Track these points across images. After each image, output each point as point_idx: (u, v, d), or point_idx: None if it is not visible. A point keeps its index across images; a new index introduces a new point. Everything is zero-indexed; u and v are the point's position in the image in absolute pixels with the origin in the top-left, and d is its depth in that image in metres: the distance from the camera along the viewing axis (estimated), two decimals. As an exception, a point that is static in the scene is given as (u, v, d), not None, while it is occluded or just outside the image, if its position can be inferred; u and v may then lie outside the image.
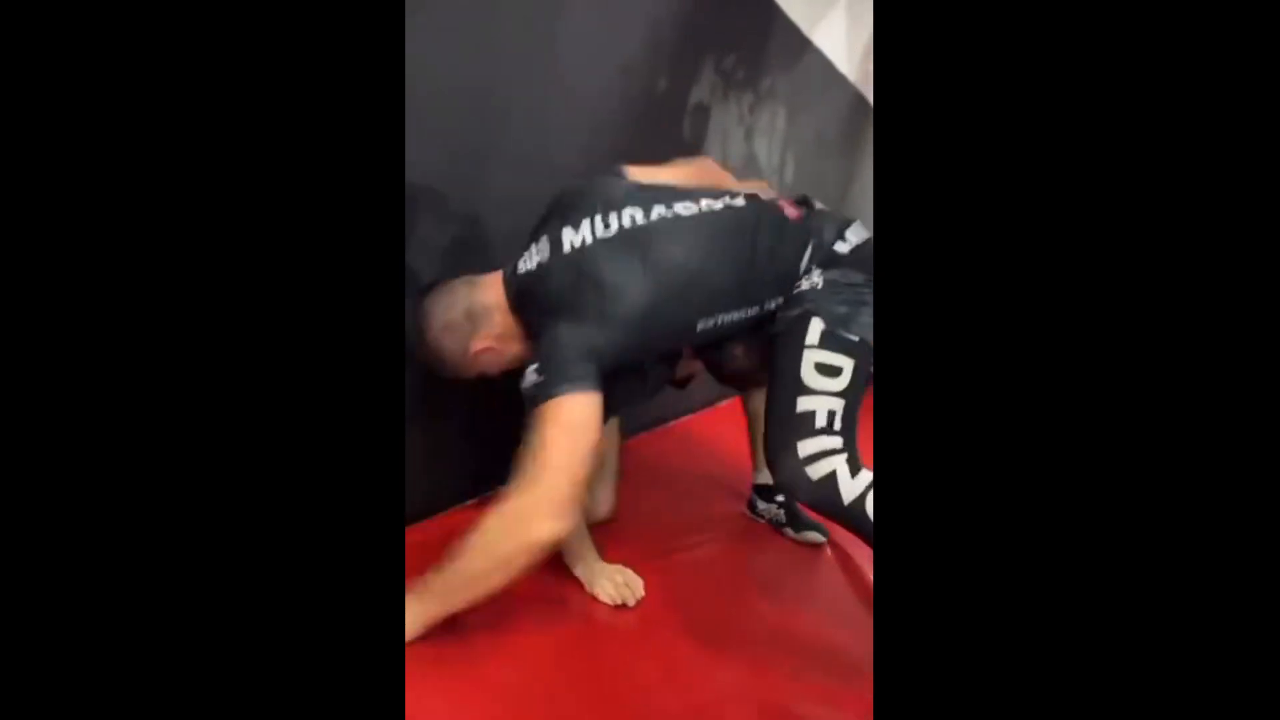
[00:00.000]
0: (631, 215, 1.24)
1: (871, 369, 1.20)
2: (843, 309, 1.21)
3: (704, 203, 1.29)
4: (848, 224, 1.33)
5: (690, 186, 1.36)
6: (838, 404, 1.17)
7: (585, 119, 1.76)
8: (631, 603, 1.32)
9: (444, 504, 1.58)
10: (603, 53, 1.81)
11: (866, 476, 1.12)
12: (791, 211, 1.36)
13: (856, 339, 1.19)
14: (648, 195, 1.29)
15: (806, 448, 1.16)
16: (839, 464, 1.14)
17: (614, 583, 1.33)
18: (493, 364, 1.30)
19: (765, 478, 1.83)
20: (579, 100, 1.70)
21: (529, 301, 1.25)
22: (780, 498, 1.84)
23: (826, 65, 3.39)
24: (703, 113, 2.36)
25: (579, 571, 1.35)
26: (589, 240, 1.22)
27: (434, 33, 1.25)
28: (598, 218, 1.23)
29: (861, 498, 1.11)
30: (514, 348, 1.29)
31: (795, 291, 1.28)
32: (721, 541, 1.71)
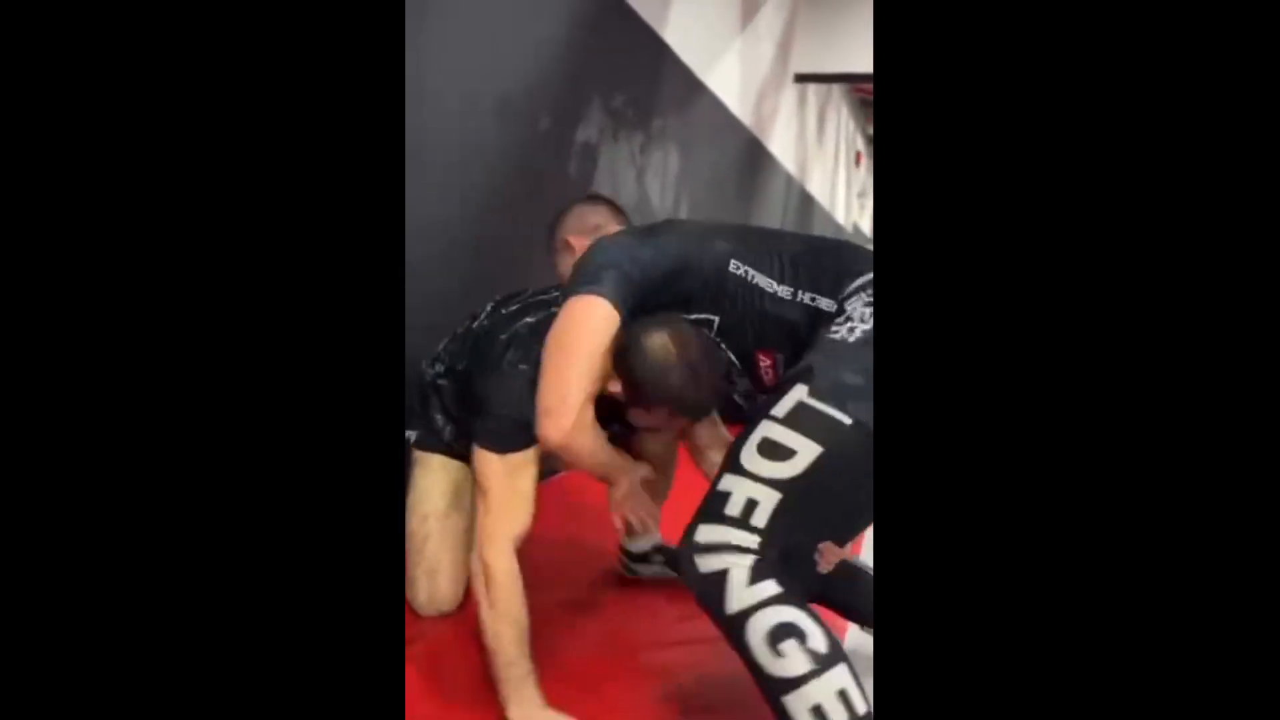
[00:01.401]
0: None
1: (862, 463, 0.86)
2: (855, 378, 0.92)
3: None
4: None
5: None
6: (768, 496, 0.90)
7: (455, 157, 1.65)
8: None
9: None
10: (475, 88, 1.71)
11: (767, 590, 0.88)
12: None
13: (847, 421, 0.90)
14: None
15: (707, 532, 0.92)
16: (736, 564, 0.89)
17: None
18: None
19: (639, 544, 1.58)
20: (446, 138, 1.59)
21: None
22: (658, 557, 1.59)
23: (720, 107, 3.40)
24: (590, 152, 2.28)
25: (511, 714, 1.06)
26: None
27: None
28: None
29: (748, 614, 0.87)
30: None
31: (839, 313, 1.03)
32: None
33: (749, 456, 0.92)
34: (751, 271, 1.08)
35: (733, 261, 1.08)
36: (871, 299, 1.01)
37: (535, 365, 1.08)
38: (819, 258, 1.10)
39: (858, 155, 8.00)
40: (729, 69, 3.46)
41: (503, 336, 1.20)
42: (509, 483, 1.12)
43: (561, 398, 1.04)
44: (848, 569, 1.33)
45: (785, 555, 0.91)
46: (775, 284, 1.07)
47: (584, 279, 1.06)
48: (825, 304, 1.05)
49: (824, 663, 0.85)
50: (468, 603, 1.28)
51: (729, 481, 0.93)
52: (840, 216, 7.46)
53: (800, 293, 1.06)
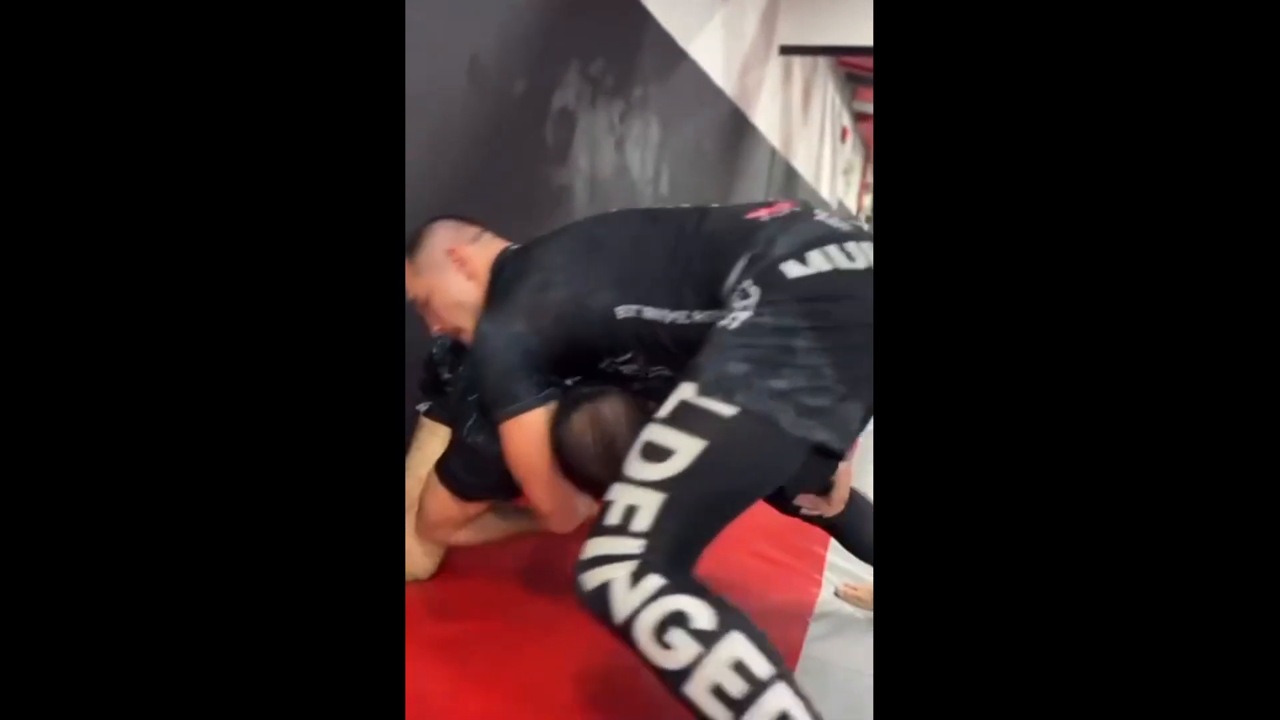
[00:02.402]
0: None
1: (764, 454, 0.90)
2: (739, 366, 0.88)
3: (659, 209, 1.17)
4: (820, 241, 0.96)
5: None
6: (649, 498, 0.86)
7: (424, 122, 1.60)
8: None
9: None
10: (445, 48, 1.65)
11: (650, 587, 0.83)
12: (765, 212, 1.05)
13: (731, 411, 0.87)
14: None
15: (589, 548, 0.87)
16: (617, 574, 0.84)
17: None
18: None
19: None
20: (416, 100, 1.54)
21: None
22: None
23: (703, 77, 3.34)
24: (568, 119, 2.23)
25: None
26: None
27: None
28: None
29: (634, 617, 0.82)
30: None
31: (722, 313, 0.97)
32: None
33: (631, 464, 0.90)
34: (640, 308, 1.04)
35: (618, 309, 1.05)
36: (749, 281, 0.96)
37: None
38: (698, 264, 1.03)
39: (843, 130, 7.94)
40: (712, 38, 3.40)
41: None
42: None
43: (551, 502, 1.12)
44: (856, 502, 1.36)
45: (677, 547, 0.87)
46: (668, 312, 1.03)
47: (497, 398, 1.07)
48: (716, 314, 0.99)
49: (711, 639, 0.80)
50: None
51: (612, 492, 0.90)
52: (825, 192, 7.42)
53: (692, 313, 1.02)
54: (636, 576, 0.84)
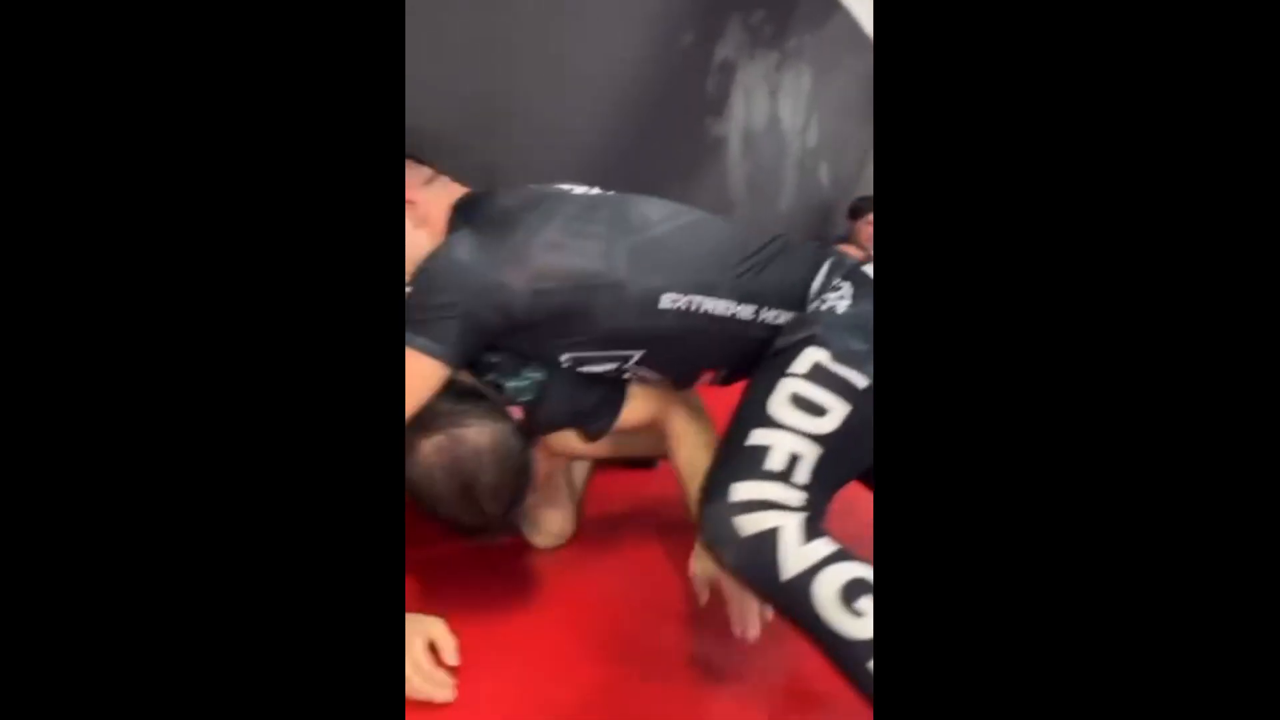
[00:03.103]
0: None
1: (869, 425, 0.86)
2: (860, 345, 0.88)
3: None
4: None
5: None
6: (810, 450, 0.82)
7: (603, 69, 1.70)
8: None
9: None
10: (623, 8, 1.75)
11: (823, 550, 0.78)
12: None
13: (864, 384, 0.86)
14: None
15: (743, 489, 0.81)
16: (786, 523, 0.79)
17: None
18: None
19: None
20: (599, 51, 1.65)
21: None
22: None
23: (854, 28, 3.30)
24: (728, 70, 2.29)
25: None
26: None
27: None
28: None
29: (808, 576, 0.77)
30: None
31: (809, 310, 0.98)
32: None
33: (780, 409, 0.85)
34: (697, 299, 0.98)
35: (666, 296, 0.97)
36: (838, 278, 0.98)
37: None
38: (777, 266, 1.02)
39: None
40: (866, -14, 3.34)
41: None
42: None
43: None
44: None
45: (823, 508, 0.84)
46: (735, 305, 0.99)
47: (415, 319, 0.89)
48: (788, 313, 1.00)
49: None
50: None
51: (762, 435, 0.83)
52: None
53: (764, 310, 1.00)
54: (809, 533, 0.79)
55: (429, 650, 0.90)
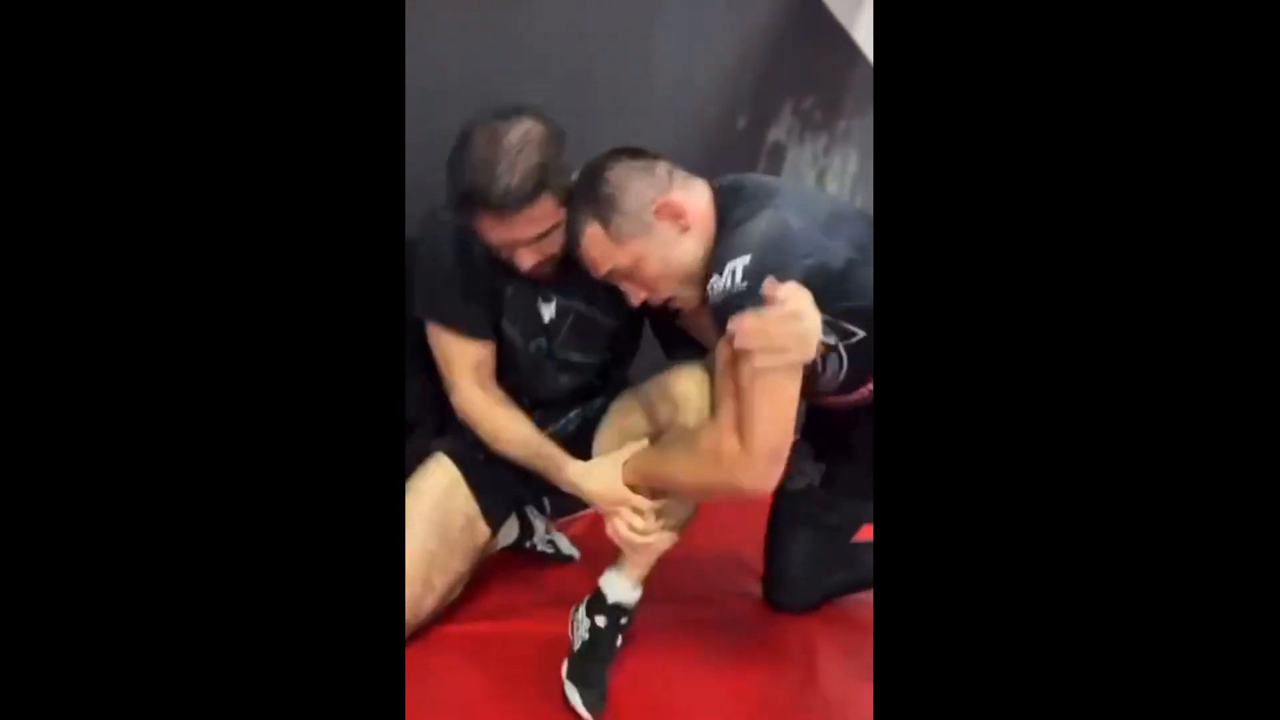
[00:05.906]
0: None
1: None
2: None
3: None
4: None
5: None
6: None
7: (666, 148, 1.70)
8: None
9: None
10: (681, 88, 1.76)
11: None
12: None
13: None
14: None
15: None
16: None
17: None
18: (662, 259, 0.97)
19: None
20: (662, 127, 1.65)
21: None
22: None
23: (901, 111, 3.33)
24: (779, 152, 2.30)
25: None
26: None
27: (499, 58, 1.20)
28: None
29: None
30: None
31: None
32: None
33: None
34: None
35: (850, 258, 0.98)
36: None
37: None
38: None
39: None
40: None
41: None
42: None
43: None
44: None
45: None
46: None
47: (777, 279, 0.87)
48: None
49: None
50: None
51: None
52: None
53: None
54: None
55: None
